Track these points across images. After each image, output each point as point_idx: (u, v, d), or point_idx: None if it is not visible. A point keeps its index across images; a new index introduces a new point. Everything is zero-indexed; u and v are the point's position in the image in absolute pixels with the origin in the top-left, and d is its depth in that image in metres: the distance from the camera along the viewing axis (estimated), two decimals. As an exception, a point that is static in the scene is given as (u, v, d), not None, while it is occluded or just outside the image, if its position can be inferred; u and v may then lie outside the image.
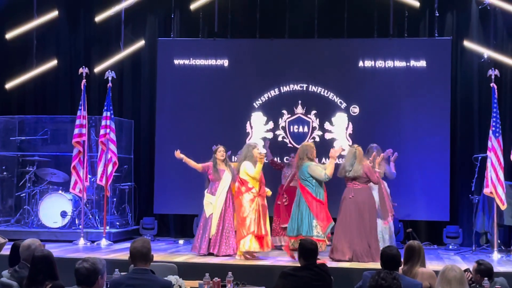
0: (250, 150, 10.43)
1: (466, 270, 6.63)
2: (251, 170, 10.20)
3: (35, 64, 13.94)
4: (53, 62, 14.03)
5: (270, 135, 13.21)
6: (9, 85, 14.01)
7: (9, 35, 13.93)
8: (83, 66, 12.46)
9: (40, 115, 13.88)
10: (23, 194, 13.08)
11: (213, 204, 10.56)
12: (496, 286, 6.26)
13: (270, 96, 13.33)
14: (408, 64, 13.04)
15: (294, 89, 13.31)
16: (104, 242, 11.75)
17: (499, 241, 11.20)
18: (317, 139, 13.07)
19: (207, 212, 10.63)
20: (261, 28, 13.39)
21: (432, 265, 8.93)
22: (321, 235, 9.95)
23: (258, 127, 13.27)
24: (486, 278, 6.34)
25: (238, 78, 13.40)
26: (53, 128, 13.69)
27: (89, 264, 4.95)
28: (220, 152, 10.77)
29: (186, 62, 13.57)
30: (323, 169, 10.13)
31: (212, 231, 10.49)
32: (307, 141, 12.53)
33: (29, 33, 13.95)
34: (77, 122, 11.97)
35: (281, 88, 13.31)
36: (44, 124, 13.70)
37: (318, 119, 13.17)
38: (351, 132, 13.06)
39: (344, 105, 13.14)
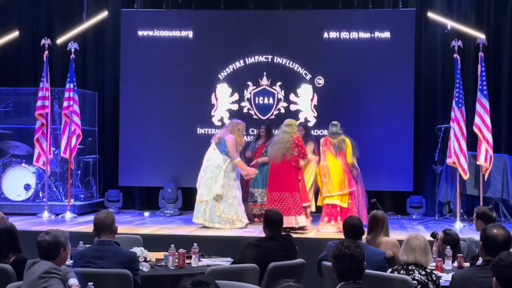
0: None
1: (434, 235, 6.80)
2: None
3: (-4, 35, 13.73)
4: (15, 33, 13.78)
5: (235, 106, 13.19)
6: (-31, 57, 13.80)
7: (-32, 6, 13.69)
8: (46, 38, 12.27)
9: (1, 87, 13.67)
10: (-14, 167, 12.94)
11: None
12: (458, 255, 6.35)
13: (235, 67, 13.27)
14: (372, 35, 13.05)
15: (259, 60, 13.27)
16: (68, 215, 11.67)
17: (461, 211, 11.38)
18: (282, 110, 13.08)
19: None
20: (225, -1, 13.31)
21: (395, 235, 9.02)
22: None
23: (223, 98, 13.22)
24: (448, 247, 6.44)
25: (202, 49, 13.31)
26: (15, 100, 13.51)
27: (50, 237, 4.92)
28: None
29: (150, 33, 13.44)
30: None
31: None
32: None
33: (-11, 3, 13.72)
34: (40, 94, 11.83)
35: (246, 59, 13.26)
36: (6, 96, 13.49)
37: (283, 91, 13.16)
38: (316, 103, 13.07)
39: (309, 76, 13.13)
